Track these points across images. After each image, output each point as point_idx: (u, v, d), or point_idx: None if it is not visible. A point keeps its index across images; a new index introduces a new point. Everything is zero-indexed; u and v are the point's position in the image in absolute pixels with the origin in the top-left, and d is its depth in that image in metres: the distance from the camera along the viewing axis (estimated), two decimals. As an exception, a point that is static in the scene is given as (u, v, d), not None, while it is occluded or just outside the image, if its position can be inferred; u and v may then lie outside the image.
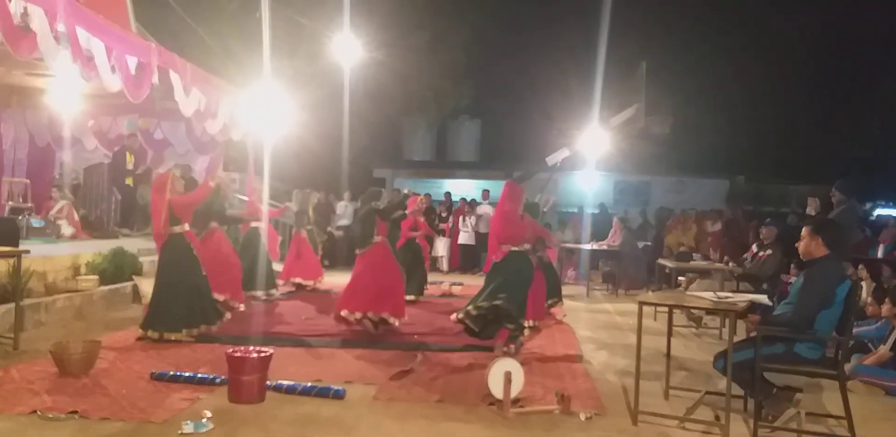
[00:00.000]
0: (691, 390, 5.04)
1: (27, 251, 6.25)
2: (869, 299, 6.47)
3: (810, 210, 7.58)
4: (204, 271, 6.48)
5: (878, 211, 20.97)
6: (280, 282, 9.66)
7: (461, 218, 14.08)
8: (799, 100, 20.99)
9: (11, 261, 6.25)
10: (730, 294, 4.86)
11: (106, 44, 6.55)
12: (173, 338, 6.11)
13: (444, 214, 14.25)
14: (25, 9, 5.58)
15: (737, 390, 4.28)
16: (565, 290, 10.81)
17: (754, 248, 8.67)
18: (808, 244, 4.23)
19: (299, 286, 10.05)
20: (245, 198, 9.80)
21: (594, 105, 9.81)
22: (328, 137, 16.22)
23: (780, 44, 20.70)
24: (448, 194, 15.46)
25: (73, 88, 9.45)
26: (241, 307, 7.76)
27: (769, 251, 8.27)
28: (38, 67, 8.45)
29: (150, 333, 6.16)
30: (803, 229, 4.32)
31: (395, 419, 4.26)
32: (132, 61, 7.07)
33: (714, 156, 19.55)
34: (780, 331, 4.11)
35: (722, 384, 4.60)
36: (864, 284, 6.81)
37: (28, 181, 11.29)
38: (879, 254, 9.28)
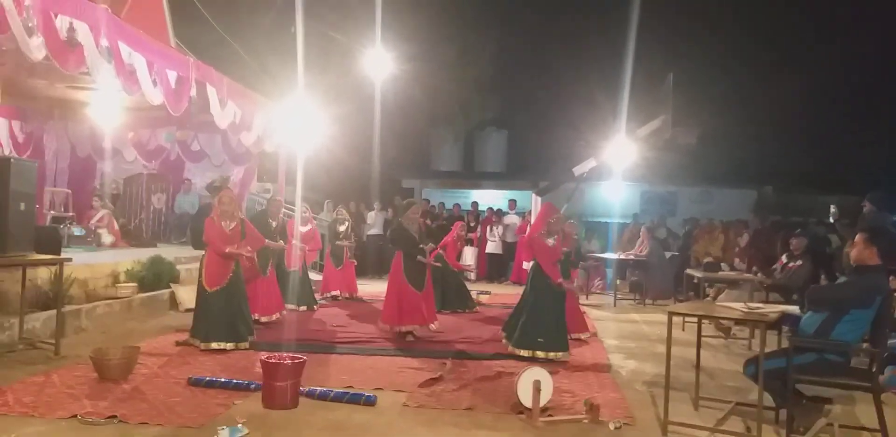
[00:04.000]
0: (721, 400, 5.02)
1: (69, 259, 6.44)
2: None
3: (831, 218, 7.59)
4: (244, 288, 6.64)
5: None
6: (318, 297, 9.83)
7: (488, 228, 14.18)
8: (828, 110, 20.69)
9: (53, 269, 6.48)
10: (760, 305, 4.86)
11: (147, 58, 6.78)
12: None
13: (471, 224, 14.34)
14: (71, 24, 5.81)
15: (767, 401, 4.27)
16: (592, 299, 10.84)
17: (784, 258, 8.59)
18: (861, 252, 4.22)
19: (335, 298, 10.26)
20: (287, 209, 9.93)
21: (621, 116, 9.85)
22: (358, 149, 16.45)
23: (809, 54, 20.49)
24: (475, 204, 15.55)
25: (113, 101, 9.73)
26: (274, 318, 7.87)
27: (799, 262, 8.20)
28: (80, 81, 8.73)
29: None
30: (857, 236, 4.30)
31: (425, 426, 4.31)
32: (172, 75, 7.30)
33: (741, 166, 19.33)
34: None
35: (752, 395, 4.59)
36: (898, 295, 6.73)
37: (69, 191, 11.65)
38: (913, 266, 9.14)
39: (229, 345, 6.26)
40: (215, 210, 6.48)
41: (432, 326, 7.29)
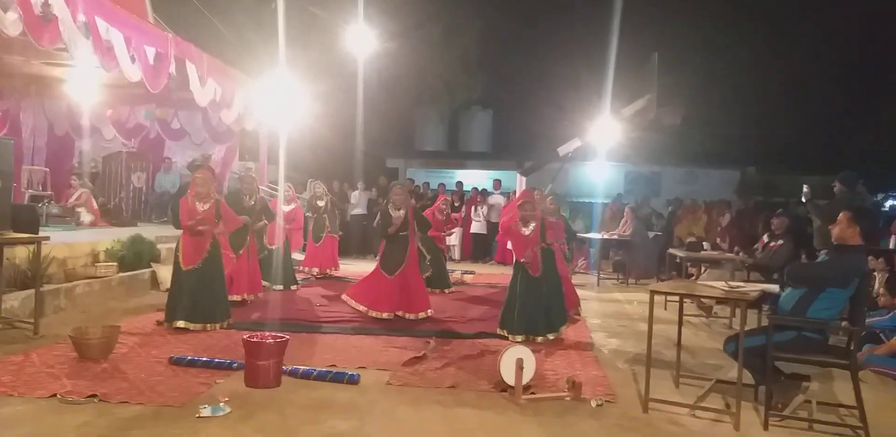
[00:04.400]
0: (702, 378, 5.09)
1: (47, 238, 6.34)
2: (881, 290, 6.48)
3: (803, 197, 7.66)
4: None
5: (891, 202, 20.84)
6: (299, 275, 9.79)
7: (473, 208, 14.17)
8: (811, 90, 20.81)
9: (31, 248, 6.39)
10: (741, 284, 4.90)
11: (125, 34, 6.64)
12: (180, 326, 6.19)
13: (456, 204, 14.31)
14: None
15: (747, 378, 4.32)
16: (576, 279, 10.89)
17: (765, 238, 8.67)
18: (844, 230, 4.23)
19: (315, 276, 10.24)
20: (266, 188, 9.82)
21: (606, 96, 9.82)
22: (341, 128, 16.32)
23: (793, 34, 20.50)
24: (460, 184, 15.52)
25: (90, 78, 9.56)
26: (251, 297, 7.81)
27: (780, 241, 8.28)
28: (57, 57, 8.56)
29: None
30: (841, 214, 4.30)
31: (409, 405, 4.33)
32: (150, 52, 7.15)
33: (725, 147, 19.43)
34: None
35: (732, 372, 4.65)
36: (877, 274, 6.82)
37: (47, 169, 11.48)
38: (892, 245, 9.26)
39: (196, 325, 6.18)
40: (190, 190, 6.40)
41: (408, 315, 7.07)
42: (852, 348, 4.18)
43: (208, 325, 6.27)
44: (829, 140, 20.48)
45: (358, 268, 10.99)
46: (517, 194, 6.81)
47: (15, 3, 5.35)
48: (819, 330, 4.19)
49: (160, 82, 7.42)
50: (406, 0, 16.84)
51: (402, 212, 7.15)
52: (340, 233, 10.99)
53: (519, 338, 6.19)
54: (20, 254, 6.70)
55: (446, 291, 9.20)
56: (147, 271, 8.38)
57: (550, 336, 6.28)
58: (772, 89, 20.41)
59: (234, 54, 12.23)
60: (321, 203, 10.42)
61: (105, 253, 8.07)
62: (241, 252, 7.59)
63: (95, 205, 10.63)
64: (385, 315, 6.99)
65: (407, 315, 7.07)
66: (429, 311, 7.18)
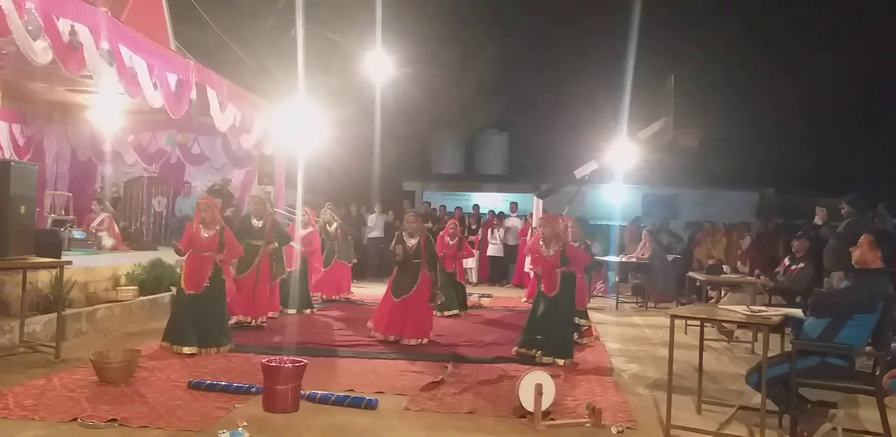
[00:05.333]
0: (724, 404, 5.01)
1: (69, 262, 6.43)
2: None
3: (818, 220, 7.56)
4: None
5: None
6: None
7: (490, 230, 14.15)
8: (830, 112, 20.69)
9: (54, 272, 6.48)
10: (763, 308, 4.83)
11: (147, 61, 6.79)
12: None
13: (472, 227, 14.32)
14: (72, 27, 5.81)
15: (770, 405, 4.25)
16: (594, 303, 10.80)
17: (786, 261, 8.56)
18: (865, 254, 4.18)
19: (326, 300, 10.23)
20: (283, 212, 9.87)
21: (622, 119, 9.85)
22: (359, 151, 16.46)
23: (811, 56, 20.49)
24: (476, 207, 15.54)
25: (113, 104, 9.74)
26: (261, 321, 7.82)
27: (802, 264, 8.17)
28: (80, 84, 8.76)
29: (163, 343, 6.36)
30: (862, 238, 4.25)
31: (427, 430, 4.30)
32: (172, 78, 7.30)
33: (743, 169, 19.31)
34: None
35: (755, 398, 4.57)
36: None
37: (70, 194, 11.65)
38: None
39: (191, 349, 6.19)
40: (195, 216, 6.48)
41: (411, 340, 7.05)
42: (878, 373, 4.10)
43: (212, 349, 6.29)
44: (849, 162, 20.28)
45: (374, 291, 10.98)
46: (534, 221, 6.86)
47: (43, 33, 5.50)
48: (844, 356, 4.11)
49: (182, 108, 7.56)
50: (423, 26, 17.09)
51: (415, 240, 7.22)
52: (354, 260, 10.92)
53: (522, 350, 6.32)
54: (43, 278, 6.78)
55: (454, 312, 9.16)
56: (167, 294, 8.42)
57: (548, 360, 6.24)
58: (790, 110, 20.31)
59: (254, 80, 12.45)
60: (330, 229, 10.46)
61: (126, 277, 8.15)
62: (245, 274, 7.62)
63: (117, 229, 10.74)
64: (380, 336, 7.05)
65: (402, 340, 7.05)
66: (425, 339, 7.15)
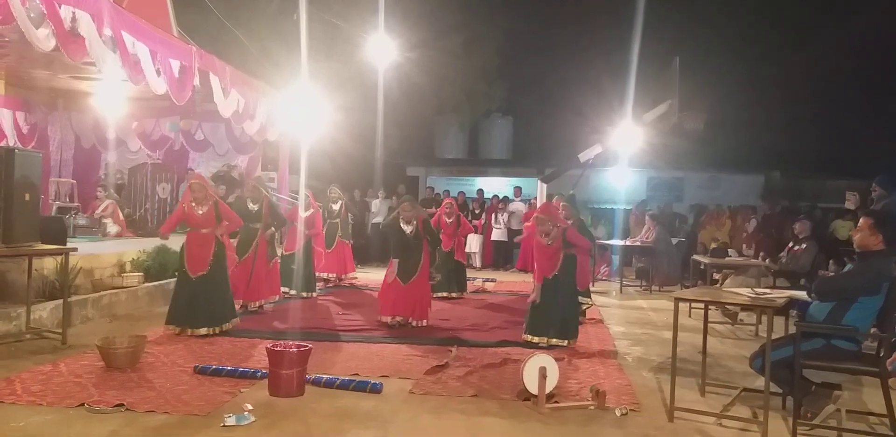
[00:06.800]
0: (728, 386, 5.02)
1: (74, 249, 6.45)
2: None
3: (849, 205, 7.43)
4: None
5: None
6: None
7: (493, 215, 14.15)
8: (836, 93, 20.51)
9: (59, 259, 6.51)
10: (767, 290, 4.83)
11: (150, 48, 6.76)
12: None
13: (476, 211, 14.32)
14: (74, 14, 5.78)
15: (774, 387, 4.25)
16: (598, 286, 10.82)
17: (791, 243, 8.54)
18: (865, 237, 4.16)
19: (326, 281, 10.25)
20: (284, 197, 9.87)
21: (627, 102, 9.78)
22: (363, 137, 16.40)
23: (818, 37, 20.25)
24: (481, 191, 15.52)
25: (116, 91, 9.72)
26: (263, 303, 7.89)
27: (804, 245, 8.14)
28: (83, 71, 8.73)
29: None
30: (861, 221, 4.23)
31: (431, 414, 4.32)
32: (175, 65, 7.27)
33: (749, 151, 19.15)
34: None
35: (759, 380, 4.58)
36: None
37: (74, 181, 11.68)
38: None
39: (206, 330, 6.30)
40: (184, 197, 6.52)
41: (418, 322, 7.19)
42: (882, 355, 4.10)
43: (216, 328, 6.37)
44: (855, 144, 20.12)
45: (378, 276, 10.98)
46: (538, 205, 6.80)
47: (46, 19, 5.48)
48: (850, 338, 4.11)
49: (185, 95, 7.54)
50: (426, 10, 16.94)
51: (412, 225, 7.26)
52: (351, 241, 10.98)
53: (527, 337, 6.32)
54: (48, 265, 6.81)
55: (453, 294, 9.24)
56: (172, 281, 8.42)
57: (556, 341, 6.26)
58: (796, 93, 20.14)
59: (257, 66, 12.38)
60: (335, 207, 10.47)
61: (131, 263, 8.18)
62: (245, 257, 7.65)
63: (121, 216, 10.78)
64: (389, 320, 7.10)
65: (410, 321, 7.17)
66: (425, 321, 7.27)
